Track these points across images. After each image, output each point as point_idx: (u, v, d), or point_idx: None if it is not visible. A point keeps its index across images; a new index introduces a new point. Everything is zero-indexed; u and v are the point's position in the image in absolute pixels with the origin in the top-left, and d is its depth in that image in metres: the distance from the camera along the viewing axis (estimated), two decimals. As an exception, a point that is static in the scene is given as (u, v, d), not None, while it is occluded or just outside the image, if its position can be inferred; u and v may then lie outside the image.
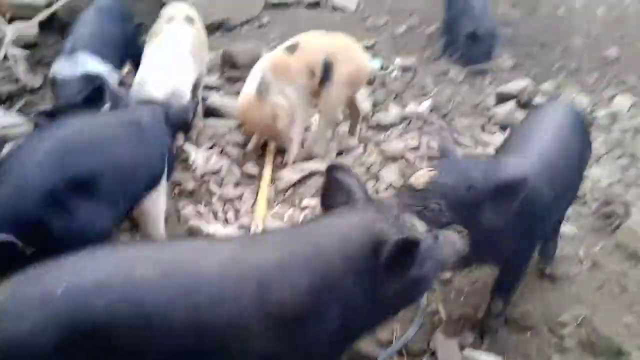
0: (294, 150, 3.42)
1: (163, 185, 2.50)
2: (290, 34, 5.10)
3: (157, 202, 2.47)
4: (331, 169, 1.73)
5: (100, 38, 3.28)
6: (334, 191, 1.68)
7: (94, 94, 2.74)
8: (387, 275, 1.52)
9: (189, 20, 3.44)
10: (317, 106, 3.53)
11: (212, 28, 5.14)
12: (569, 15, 5.52)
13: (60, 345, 1.24)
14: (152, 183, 2.40)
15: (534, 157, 2.25)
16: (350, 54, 3.40)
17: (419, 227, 1.63)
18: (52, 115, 2.89)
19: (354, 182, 1.68)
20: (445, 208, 1.85)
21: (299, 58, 3.20)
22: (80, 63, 3.06)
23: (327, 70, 3.24)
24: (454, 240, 1.75)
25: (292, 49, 3.26)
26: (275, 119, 3.13)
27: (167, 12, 3.53)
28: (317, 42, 3.34)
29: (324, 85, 3.29)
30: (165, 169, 2.48)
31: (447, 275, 2.74)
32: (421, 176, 1.89)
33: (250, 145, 3.50)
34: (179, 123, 2.74)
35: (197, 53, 3.36)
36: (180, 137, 3.29)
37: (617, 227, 3.09)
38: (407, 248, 1.47)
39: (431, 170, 1.90)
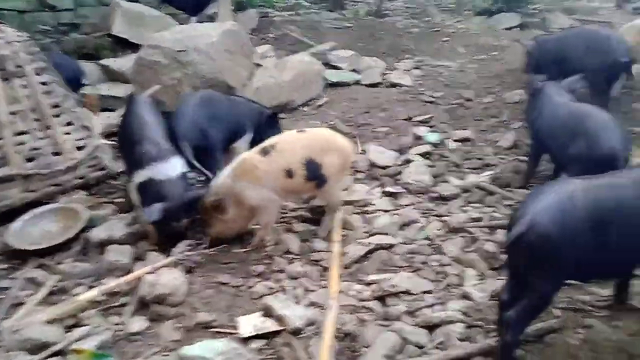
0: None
1: None
2: (349, 111, 5.39)
3: None
4: None
5: (166, 138, 3.70)
6: None
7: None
8: None
9: None
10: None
11: (278, 109, 5.48)
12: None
13: None
14: None
15: None
16: (331, 145, 3.51)
17: None
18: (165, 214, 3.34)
19: None
20: None
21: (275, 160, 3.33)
22: (174, 166, 3.51)
23: (313, 169, 3.38)
24: None
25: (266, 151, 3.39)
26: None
27: None
28: (295, 142, 3.44)
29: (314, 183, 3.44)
30: None
31: None
32: None
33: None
34: None
35: None
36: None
37: None
38: None
39: None
